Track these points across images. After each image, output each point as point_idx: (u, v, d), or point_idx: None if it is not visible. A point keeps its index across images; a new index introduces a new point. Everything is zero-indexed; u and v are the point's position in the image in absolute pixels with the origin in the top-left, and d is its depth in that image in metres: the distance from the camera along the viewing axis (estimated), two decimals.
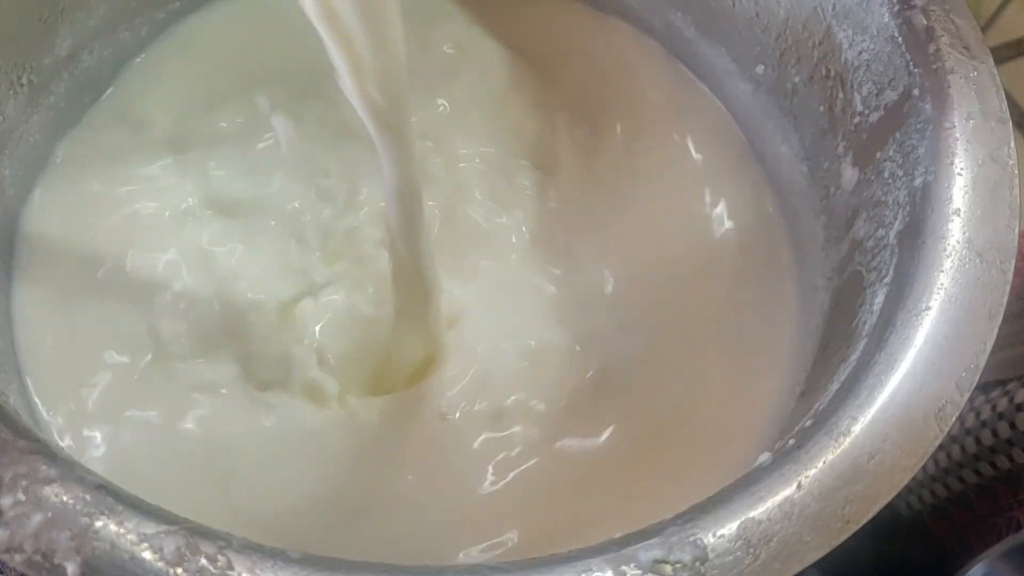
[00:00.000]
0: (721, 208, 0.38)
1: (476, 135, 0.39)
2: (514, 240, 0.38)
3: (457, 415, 0.34)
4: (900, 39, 0.30)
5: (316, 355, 0.35)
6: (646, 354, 0.35)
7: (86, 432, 0.32)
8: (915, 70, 0.29)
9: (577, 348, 0.35)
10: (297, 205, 0.37)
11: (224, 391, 0.33)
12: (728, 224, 0.38)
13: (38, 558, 0.19)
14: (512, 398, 0.34)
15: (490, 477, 0.32)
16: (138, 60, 0.39)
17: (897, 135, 0.30)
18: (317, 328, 0.35)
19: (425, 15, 0.41)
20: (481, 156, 0.39)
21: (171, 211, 0.36)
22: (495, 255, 0.37)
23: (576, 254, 0.37)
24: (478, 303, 0.36)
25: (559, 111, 0.40)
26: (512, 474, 0.33)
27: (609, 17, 0.42)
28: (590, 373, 0.35)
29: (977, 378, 0.24)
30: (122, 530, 0.20)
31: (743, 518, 0.22)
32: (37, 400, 0.32)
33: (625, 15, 0.41)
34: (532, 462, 0.33)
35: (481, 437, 0.33)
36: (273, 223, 0.37)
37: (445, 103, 0.40)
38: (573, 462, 0.33)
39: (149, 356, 0.34)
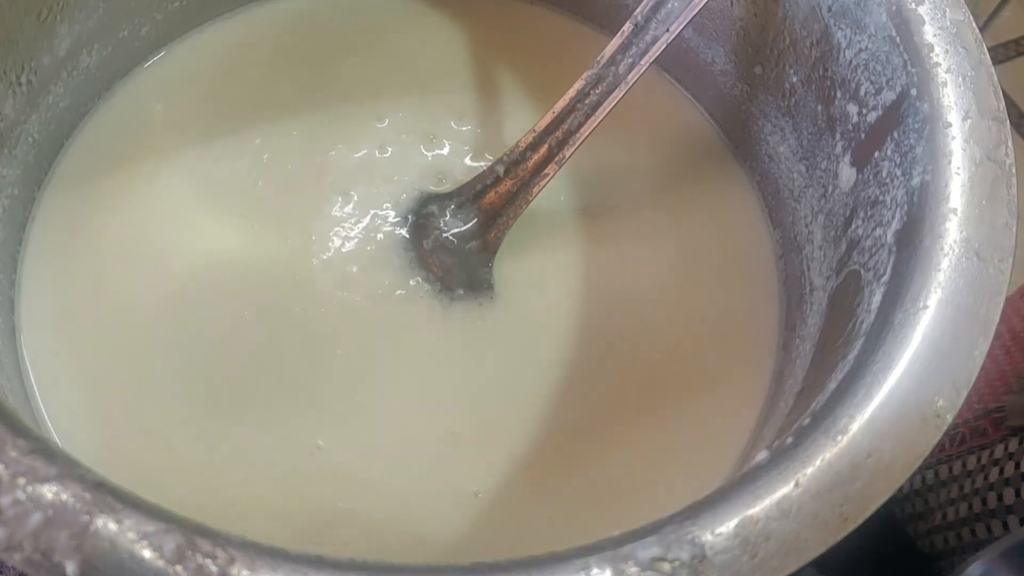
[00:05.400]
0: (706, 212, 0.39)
1: None
2: None
3: None
4: (898, 39, 0.30)
5: None
6: (632, 355, 0.36)
7: (87, 431, 0.32)
8: (912, 70, 0.29)
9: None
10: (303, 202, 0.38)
11: (228, 392, 0.33)
12: (713, 227, 0.39)
13: (37, 557, 0.19)
14: None
15: None
16: (145, 65, 0.39)
17: (895, 134, 0.30)
18: None
19: None
20: None
21: (176, 215, 0.36)
22: None
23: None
24: None
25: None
26: None
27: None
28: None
29: (975, 377, 0.24)
30: (122, 528, 0.20)
31: (741, 516, 0.22)
32: (38, 399, 0.32)
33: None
34: None
35: None
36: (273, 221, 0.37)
37: None
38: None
39: (152, 355, 0.34)
